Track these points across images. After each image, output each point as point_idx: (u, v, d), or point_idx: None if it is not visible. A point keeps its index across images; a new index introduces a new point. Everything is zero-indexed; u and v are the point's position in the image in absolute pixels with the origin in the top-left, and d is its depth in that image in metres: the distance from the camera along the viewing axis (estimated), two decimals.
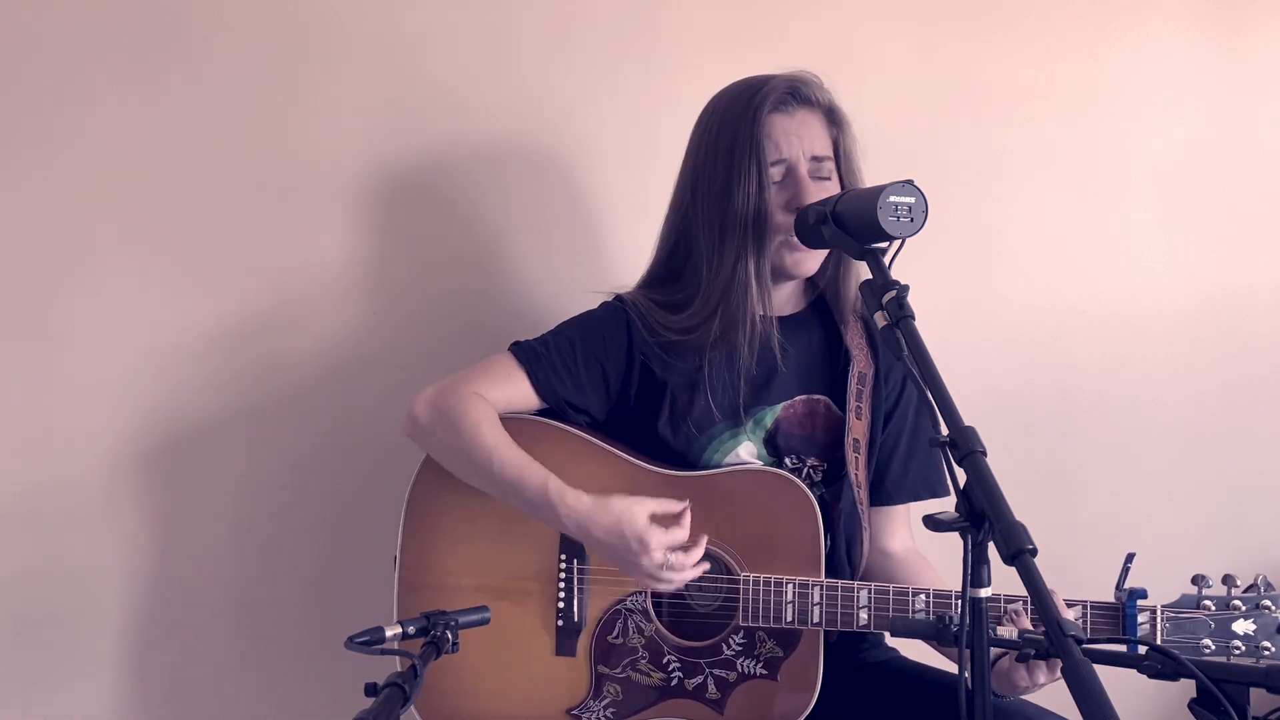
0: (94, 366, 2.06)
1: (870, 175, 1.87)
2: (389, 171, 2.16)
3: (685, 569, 1.71)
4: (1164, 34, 2.53)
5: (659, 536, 1.69)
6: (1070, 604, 1.69)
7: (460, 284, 2.20)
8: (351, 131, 2.15)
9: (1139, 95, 2.52)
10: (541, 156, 2.23)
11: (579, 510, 1.71)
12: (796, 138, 1.79)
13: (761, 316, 1.81)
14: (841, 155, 1.84)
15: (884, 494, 1.95)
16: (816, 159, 1.80)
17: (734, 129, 1.79)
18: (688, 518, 1.74)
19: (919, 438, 1.94)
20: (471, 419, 1.76)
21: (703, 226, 1.81)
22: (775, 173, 1.79)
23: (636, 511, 1.70)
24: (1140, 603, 1.68)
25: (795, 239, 1.77)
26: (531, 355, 1.83)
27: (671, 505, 1.74)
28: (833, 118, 1.84)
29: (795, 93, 1.81)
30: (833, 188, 1.81)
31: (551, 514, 1.72)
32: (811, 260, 1.82)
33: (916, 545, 2.00)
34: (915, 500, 1.96)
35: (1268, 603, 1.66)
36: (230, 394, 2.11)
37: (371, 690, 1.27)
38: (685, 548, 1.72)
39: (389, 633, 1.34)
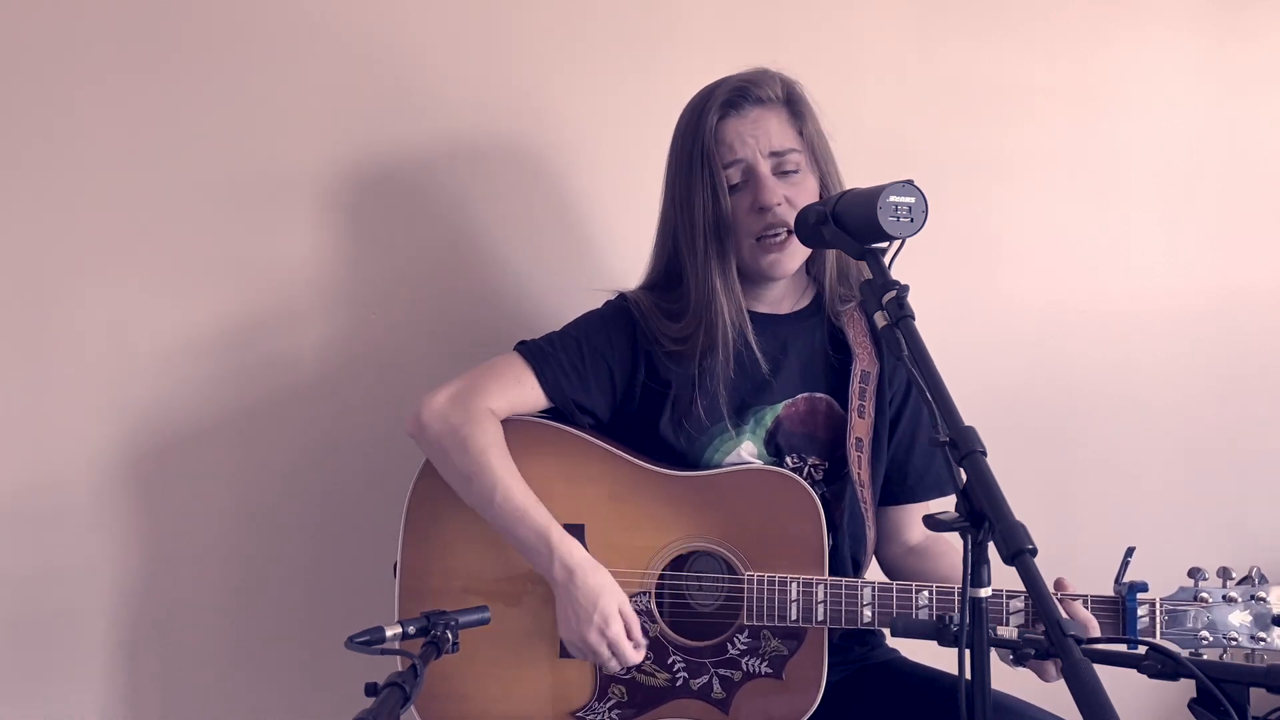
0: (87, 368, 2.06)
1: (870, 175, 1.85)
2: (385, 173, 2.16)
3: (614, 659, 1.74)
4: (1164, 34, 2.53)
5: (617, 633, 1.71)
6: (1072, 597, 1.69)
7: (456, 285, 2.20)
8: (347, 133, 2.15)
9: (1139, 95, 2.53)
10: (537, 157, 2.23)
11: (574, 560, 1.72)
12: (751, 137, 1.79)
13: (733, 322, 1.81)
14: (808, 143, 1.84)
15: (907, 491, 1.96)
16: (777, 154, 1.80)
17: (690, 140, 1.81)
18: (640, 654, 1.75)
19: None
20: (480, 443, 1.76)
21: (682, 239, 1.83)
22: (733, 174, 1.80)
23: (617, 598, 1.73)
24: (1139, 596, 1.68)
25: (768, 240, 1.79)
26: (539, 355, 1.84)
27: (635, 627, 1.75)
28: (794, 109, 1.84)
29: (744, 93, 1.81)
30: (803, 180, 1.82)
31: (544, 556, 1.73)
32: (789, 260, 1.82)
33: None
34: (942, 496, 1.95)
35: (1262, 594, 1.68)
36: (225, 395, 2.11)
37: (371, 690, 1.27)
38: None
39: (389, 633, 1.34)
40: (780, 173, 1.80)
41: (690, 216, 1.81)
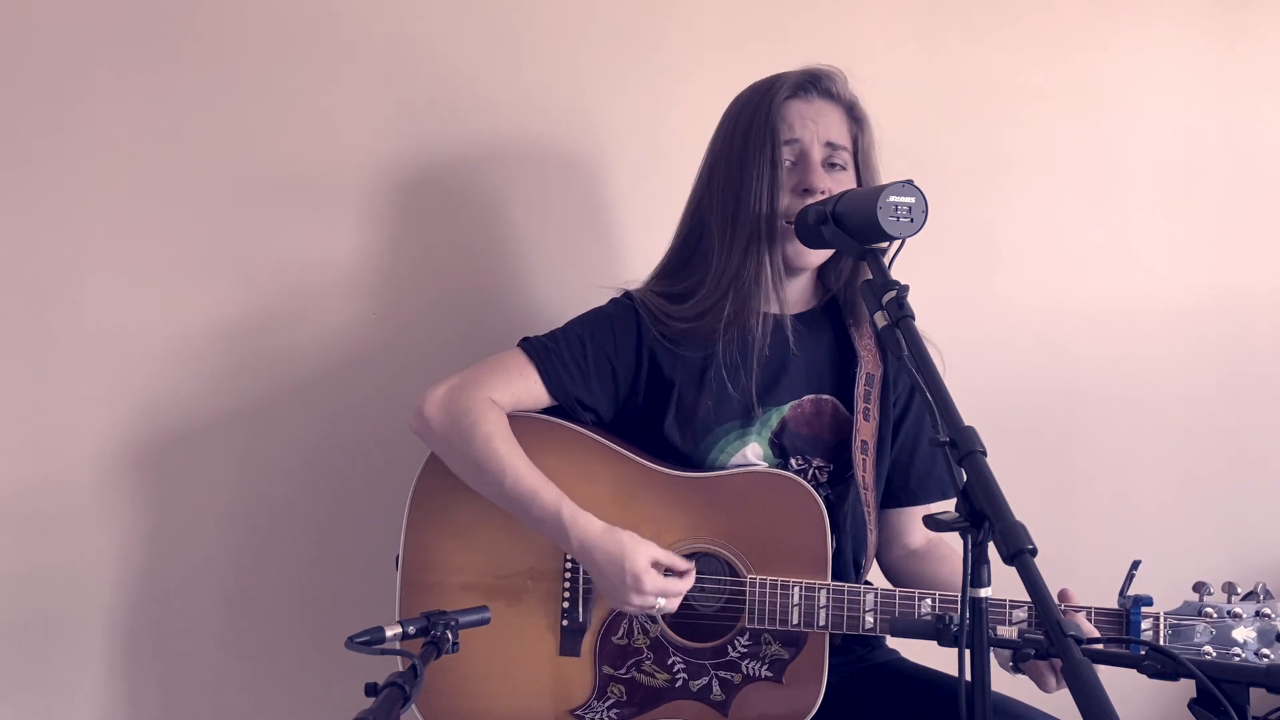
0: (91, 366, 2.05)
1: None
2: (392, 169, 2.16)
3: (664, 609, 1.73)
4: (1164, 34, 2.54)
5: (655, 582, 1.71)
6: (1075, 609, 1.69)
7: (462, 281, 2.20)
8: (355, 129, 2.15)
9: (1139, 95, 2.53)
10: (546, 155, 2.23)
11: (589, 534, 1.72)
12: (813, 122, 1.82)
13: (777, 315, 1.82)
14: (860, 153, 1.85)
15: (909, 494, 1.96)
16: (832, 145, 1.82)
17: (751, 115, 1.82)
18: (690, 579, 1.75)
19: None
20: (485, 431, 1.76)
21: (717, 213, 1.83)
22: (788, 153, 1.81)
23: (642, 551, 1.71)
24: (1144, 610, 1.68)
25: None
26: (542, 351, 1.84)
27: (677, 562, 1.74)
28: (853, 114, 1.86)
29: (815, 82, 1.84)
30: (847, 179, 1.83)
31: (560, 533, 1.74)
32: (811, 254, 1.82)
33: (939, 535, 2.00)
34: (943, 499, 1.95)
35: (1267, 610, 1.67)
36: (229, 393, 2.11)
37: (371, 690, 1.27)
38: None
39: (389, 633, 1.34)
40: (829, 164, 1.82)
41: (738, 191, 1.80)
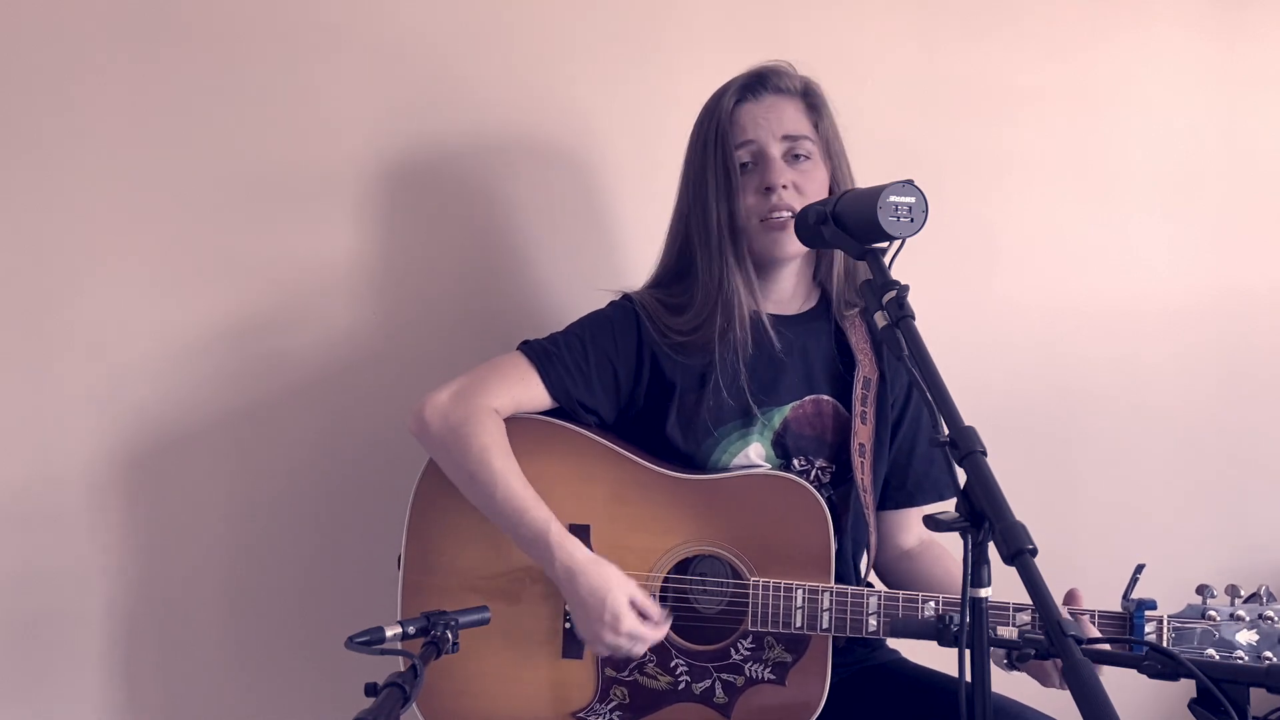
0: (90, 367, 2.05)
1: (870, 175, 1.86)
2: (392, 170, 2.16)
3: (634, 655, 1.74)
4: (1164, 34, 2.54)
5: (632, 624, 1.70)
6: (1080, 612, 1.69)
7: (462, 282, 2.20)
8: (355, 130, 2.14)
9: (1139, 95, 2.53)
10: (546, 155, 2.23)
11: (575, 560, 1.72)
12: (765, 120, 1.82)
13: (754, 312, 1.82)
14: (823, 137, 1.86)
15: (905, 496, 1.96)
16: (790, 137, 1.82)
17: (706, 126, 1.84)
18: (664, 629, 1.75)
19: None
20: (481, 442, 1.76)
21: (695, 227, 1.85)
22: (744, 155, 1.82)
23: (625, 590, 1.71)
24: (1147, 613, 1.68)
25: (771, 220, 1.79)
26: (544, 355, 1.84)
27: (651, 608, 1.73)
28: (809, 101, 1.87)
29: (761, 81, 1.85)
30: (813, 169, 1.83)
31: (545, 554, 1.73)
32: (792, 242, 1.79)
33: (933, 536, 2.00)
34: (939, 500, 1.95)
35: (1270, 613, 1.68)
36: (228, 393, 2.11)
37: (371, 690, 1.27)
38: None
39: (389, 633, 1.34)
40: (791, 157, 1.83)
41: (704, 198, 1.82)
